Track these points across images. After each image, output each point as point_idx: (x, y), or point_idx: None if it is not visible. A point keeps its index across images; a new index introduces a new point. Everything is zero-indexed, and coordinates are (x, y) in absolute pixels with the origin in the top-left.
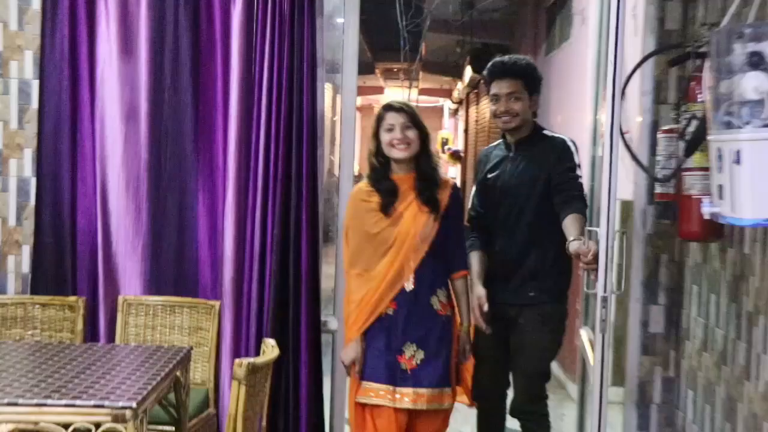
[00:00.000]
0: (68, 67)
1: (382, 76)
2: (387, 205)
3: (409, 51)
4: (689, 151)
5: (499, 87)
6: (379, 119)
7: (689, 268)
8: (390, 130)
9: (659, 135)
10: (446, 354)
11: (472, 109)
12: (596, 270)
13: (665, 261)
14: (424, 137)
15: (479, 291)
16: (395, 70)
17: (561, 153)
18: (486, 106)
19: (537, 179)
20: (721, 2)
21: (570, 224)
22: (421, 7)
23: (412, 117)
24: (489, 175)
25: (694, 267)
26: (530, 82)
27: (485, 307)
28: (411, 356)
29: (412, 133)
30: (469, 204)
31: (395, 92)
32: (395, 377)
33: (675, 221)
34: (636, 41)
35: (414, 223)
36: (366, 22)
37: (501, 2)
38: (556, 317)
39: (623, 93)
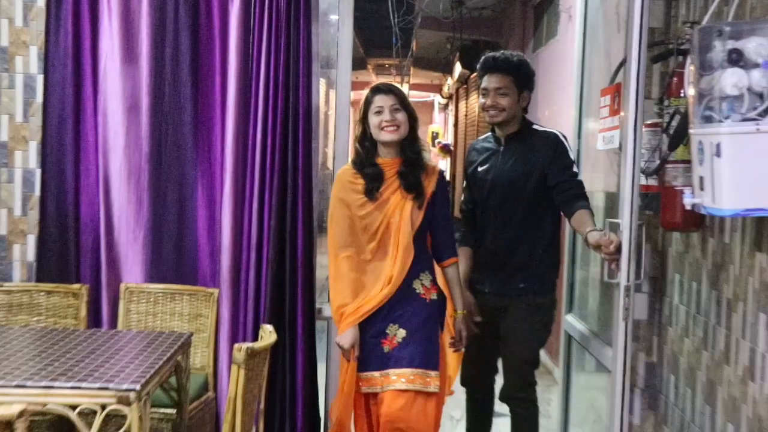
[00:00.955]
0: (72, 62)
1: (374, 71)
2: (371, 190)
3: (400, 47)
4: (673, 145)
5: (489, 82)
6: (368, 102)
7: (672, 257)
8: (379, 112)
9: (644, 129)
10: (429, 336)
11: (462, 104)
12: (617, 260)
13: (648, 250)
14: (412, 121)
15: (469, 299)
16: (387, 65)
17: (556, 150)
18: (475, 101)
19: (529, 174)
20: (702, 1)
21: (583, 218)
22: (413, 5)
23: (400, 99)
24: (479, 168)
25: (676, 256)
26: (520, 78)
27: (477, 318)
28: (393, 336)
29: (401, 116)
30: (462, 197)
31: None
32: (381, 363)
33: (658, 212)
34: (620, 38)
35: (398, 209)
36: (359, 19)
37: (490, 1)
38: (545, 307)
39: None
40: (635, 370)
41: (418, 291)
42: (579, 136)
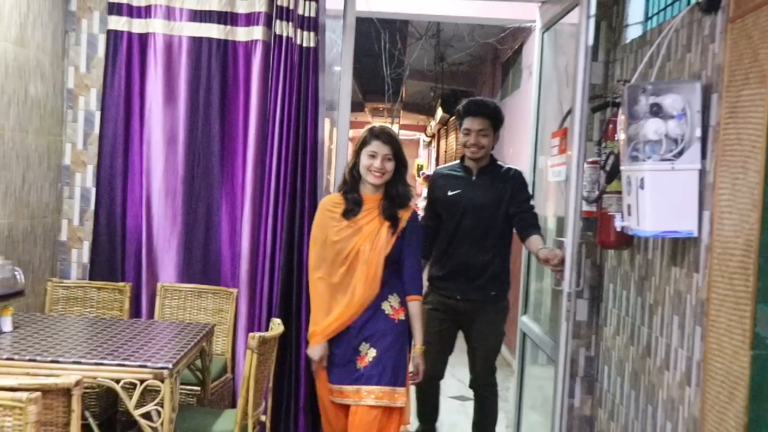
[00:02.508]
0: (123, 102)
1: (370, 113)
2: (349, 212)
3: (392, 94)
4: (608, 179)
5: (472, 123)
6: (365, 142)
7: (607, 270)
8: (372, 156)
9: (586, 165)
10: (397, 355)
11: (443, 142)
12: (562, 271)
13: (589, 264)
14: (401, 167)
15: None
16: (381, 108)
17: (518, 184)
18: (453, 140)
19: (499, 202)
20: (633, 64)
21: (536, 241)
22: (402, 60)
23: (395, 150)
24: (449, 192)
25: (610, 269)
26: (496, 121)
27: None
28: (364, 354)
29: (390, 165)
30: (422, 214)
31: None
32: (352, 379)
33: (596, 233)
34: (568, 91)
35: (372, 236)
36: (358, 70)
37: (466, 57)
38: (506, 309)
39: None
40: (577, 362)
41: (387, 312)
42: (534, 170)
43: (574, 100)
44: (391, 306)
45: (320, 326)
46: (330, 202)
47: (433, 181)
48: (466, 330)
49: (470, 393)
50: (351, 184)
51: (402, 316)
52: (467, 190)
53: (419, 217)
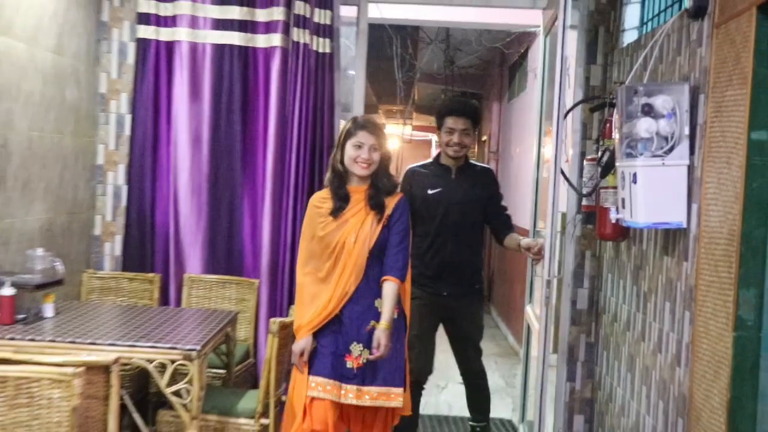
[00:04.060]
0: (152, 105)
1: (384, 115)
2: (336, 210)
3: (404, 96)
4: (604, 174)
5: (456, 123)
6: (349, 133)
7: (605, 261)
8: (358, 147)
9: (585, 162)
10: (393, 355)
11: None
12: (541, 260)
13: (588, 256)
14: (385, 159)
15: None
16: (394, 110)
17: (494, 183)
18: None
19: (479, 199)
20: (628, 66)
21: (514, 235)
22: (414, 64)
23: (381, 141)
24: (430, 191)
25: (609, 260)
26: (476, 121)
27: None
28: (358, 355)
29: (376, 156)
30: None
31: (394, 128)
32: (341, 375)
33: (594, 226)
34: (569, 93)
35: (357, 228)
36: (371, 74)
37: (475, 61)
38: (484, 299)
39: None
40: (578, 348)
41: (380, 310)
42: (538, 167)
43: (555, 102)
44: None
45: (305, 320)
46: (318, 198)
47: (408, 179)
48: (452, 323)
49: None
50: (339, 177)
51: (396, 315)
52: (448, 189)
53: (407, 203)
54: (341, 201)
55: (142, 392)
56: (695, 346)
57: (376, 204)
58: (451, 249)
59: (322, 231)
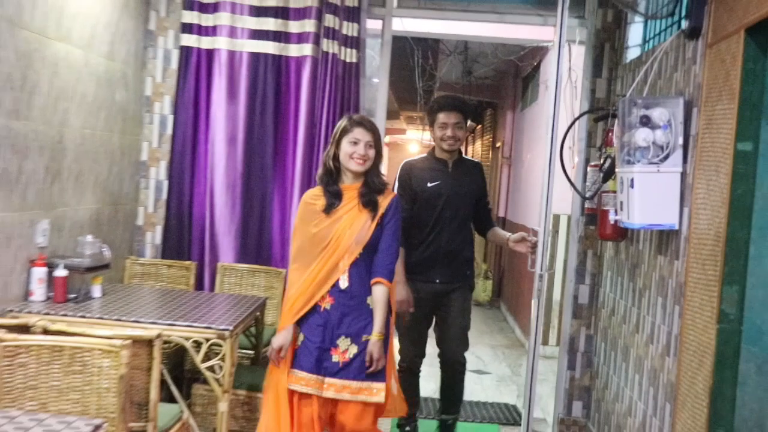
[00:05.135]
0: (192, 107)
1: (405, 121)
2: (329, 206)
3: (424, 104)
4: (605, 179)
5: (448, 117)
6: (345, 131)
7: (606, 259)
8: (355, 143)
9: (588, 168)
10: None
11: (470, 147)
12: (534, 254)
13: (590, 254)
14: (378, 157)
15: (408, 294)
16: (414, 117)
17: (483, 177)
18: (479, 145)
19: (473, 192)
20: (630, 80)
21: (497, 230)
22: (433, 74)
23: (376, 138)
24: (429, 184)
25: (608, 258)
26: (467, 115)
27: (411, 309)
28: (345, 350)
29: (372, 152)
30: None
31: (414, 133)
32: (324, 368)
33: (596, 227)
34: (576, 104)
35: (351, 225)
36: (393, 82)
37: (491, 72)
38: (473, 288)
39: (564, 140)
40: (578, 340)
41: (371, 307)
42: (549, 172)
43: (554, 113)
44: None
45: (287, 306)
46: (310, 195)
47: (407, 172)
48: (441, 310)
49: (488, 366)
50: (332, 175)
51: None
52: (446, 182)
53: (399, 202)
54: (333, 198)
55: (178, 368)
56: (683, 338)
57: (368, 202)
58: (446, 239)
59: (316, 228)
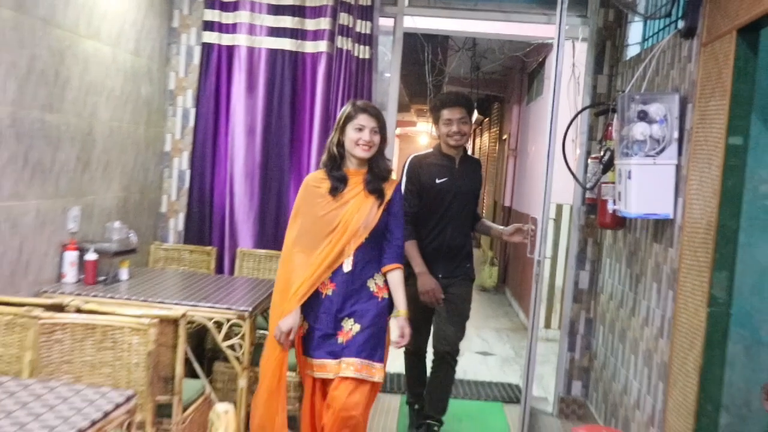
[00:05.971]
0: (213, 100)
1: (415, 113)
2: (335, 189)
3: (433, 97)
4: (605, 171)
5: (452, 113)
6: (350, 117)
7: (605, 247)
8: (360, 129)
9: (589, 160)
10: (378, 332)
11: (477, 140)
12: (532, 241)
13: (590, 242)
14: (382, 143)
15: (433, 283)
16: (424, 110)
17: (481, 173)
18: (486, 138)
19: (476, 187)
20: (630, 77)
21: (485, 221)
22: (443, 69)
23: (381, 124)
24: (438, 181)
25: (607, 246)
26: (471, 110)
27: (441, 295)
28: (348, 330)
29: (377, 138)
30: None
31: (424, 126)
32: (333, 353)
33: (596, 216)
34: (579, 99)
35: (358, 209)
36: (404, 77)
37: (498, 67)
38: (473, 280)
39: (566, 133)
40: (578, 323)
41: (372, 289)
42: (549, 163)
43: (553, 109)
44: (376, 284)
45: (292, 290)
46: (314, 178)
47: (415, 168)
48: (444, 303)
49: (493, 348)
50: (336, 160)
51: (386, 294)
52: (453, 178)
53: (402, 191)
54: (338, 182)
55: (199, 348)
56: (676, 320)
57: (374, 189)
58: (450, 234)
59: (323, 210)
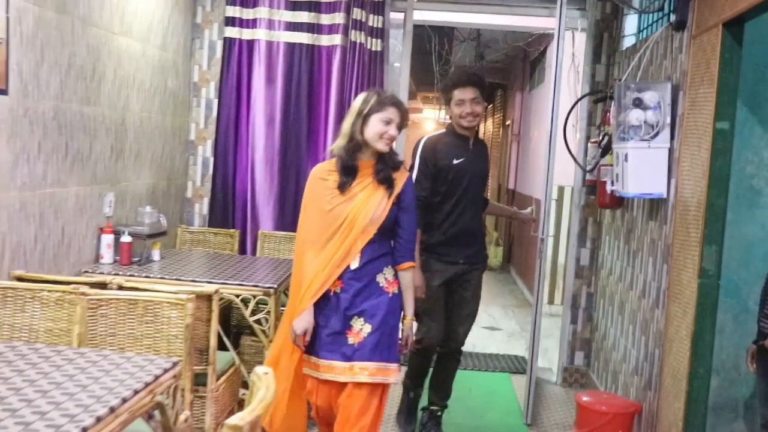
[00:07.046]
0: (235, 91)
1: (422, 100)
2: (343, 184)
3: (439, 85)
4: (603, 154)
5: (464, 93)
6: (377, 109)
7: (604, 225)
8: (387, 122)
9: (589, 144)
10: (391, 331)
11: (482, 125)
12: (537, 221)
13: (591, 221)
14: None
15: (421, 280)
16: (430, 97)
17: (488, 154)
18: (490, 124)
19: (487, 169)
20: (626, 66)
21: (497, 204)
22: (448, 58)
23: (406, 121)
24: (455, 161)
25: (607, 225)
26: (484, 90)
27: (422, 295)
28: (359, 330)
29: (397, 133)
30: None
31: (430, 112)
32: (343, 354)
33: (596, 196)
34: (578, 87)
35: (366, 203)
36: (412, 66)
37: (501, 56)
38: (485, 269)
39: (567, 119)
40: (580, 297)
41: (381, 285)
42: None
43: (555, 96)
44: (385, 278)
45: (303, 288)
46: (321, 170)
47: (431, 149)
48: (457, 293)
49: (500, 323)
50: (352, 149)
51: (396, 290)
52: (468, 159)
53: (413, 182)
54: (347, 174)
55: (225, 323)
56: (670, 292)
57: (384, 178)
58: (469, 217)
59: (329, 205)
